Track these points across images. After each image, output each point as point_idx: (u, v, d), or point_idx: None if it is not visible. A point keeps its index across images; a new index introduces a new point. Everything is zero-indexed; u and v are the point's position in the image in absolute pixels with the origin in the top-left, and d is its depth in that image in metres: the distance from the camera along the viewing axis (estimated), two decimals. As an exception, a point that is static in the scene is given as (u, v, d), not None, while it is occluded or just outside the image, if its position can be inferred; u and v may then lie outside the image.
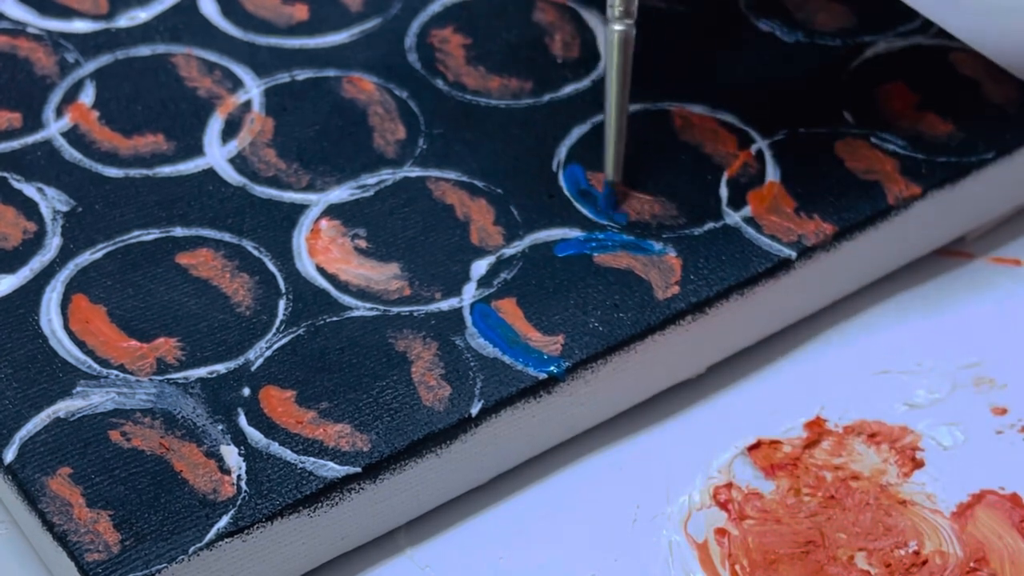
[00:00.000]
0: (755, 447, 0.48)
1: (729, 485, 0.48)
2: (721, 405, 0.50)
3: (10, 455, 0.45)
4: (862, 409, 0.49)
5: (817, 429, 0.49)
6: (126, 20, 0.56)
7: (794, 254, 0.49)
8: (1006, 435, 0.49)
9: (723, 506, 0.47)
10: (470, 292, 0.49)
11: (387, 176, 0.52)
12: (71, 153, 0.52)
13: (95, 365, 0.47)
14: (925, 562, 0.46)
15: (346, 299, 0.48)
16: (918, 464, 0.48)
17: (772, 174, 0.52)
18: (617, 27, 0.50)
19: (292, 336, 0.47)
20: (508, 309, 0.48)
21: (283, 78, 0.54)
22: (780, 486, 0.47)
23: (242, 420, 0.46)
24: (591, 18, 0.56)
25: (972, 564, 0.46)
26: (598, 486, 0.48)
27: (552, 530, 0.47)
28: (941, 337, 0.51)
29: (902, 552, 0.46)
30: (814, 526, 0.46)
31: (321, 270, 0.49)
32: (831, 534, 0.46)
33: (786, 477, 0.48)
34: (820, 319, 0.52)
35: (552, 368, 0.47)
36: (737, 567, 0.46)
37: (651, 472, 0.48)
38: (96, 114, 0.53)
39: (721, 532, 0.47)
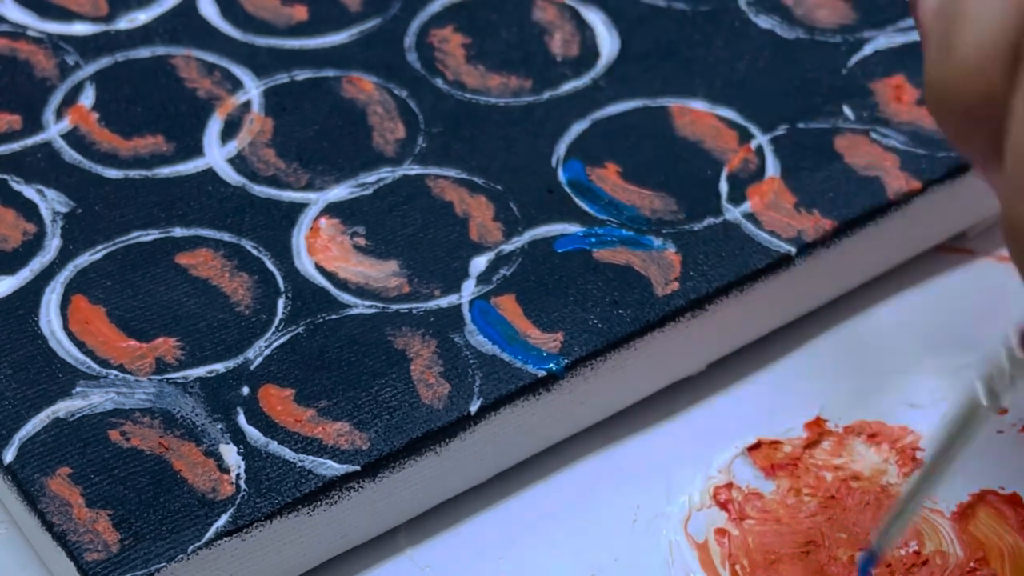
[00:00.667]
0: (755, 447, 0.48)
1: (729, 485, 0.47)
2: (721, 405, 0.50)
3: (10, 455, 0.45)
4: (862, 409, 0.49)
5: (817, 429, 0.49)
6: (126, 22, 0.56)
7: (794, 250, 0.49)
8: (1007, 434, 0.49)
9: (723, 506, 0.47)
10: (469, 289, 0.49)
11: (386, 174, 0.52)
12: (71, 155, 0.52)
13: (94, 365, 0.47)
14: (926, 562, 0.46)
15: (345, 297, 0.48)
16: (918, 464, 0.48)
17: (772, 169, 0.52)
18: (985, 402, 0.39)
19: (291, 335, 0.47)
20: (507, 306, 0.48)
21: (282, 78, 0.54)
22: (780, 486, 0.47)
23: (241, 419, 0.46)
24: (590, 16, 0.56)
25: (972, 564, 0.46)
26: (598, 486, 0.48)
27: (552, 530, 0.47)
28: (942, 336, 0.51)
29: (902, 552, 0.46)
30: (814, 526, 0.46)
31: (320, 268, 0.49)
32: (831, 534, 0.46)
33: (786, 477, 0.48)
34: (820, 319, 0.52)
35: (551, 365, 0.47)
36: (737, 567, 0.46)
37: (651, 472, 0.48)
38: (96, 116, 0.53)
39: (721, 532, 0.46)
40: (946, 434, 0.40)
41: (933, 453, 0.40)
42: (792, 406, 0.49)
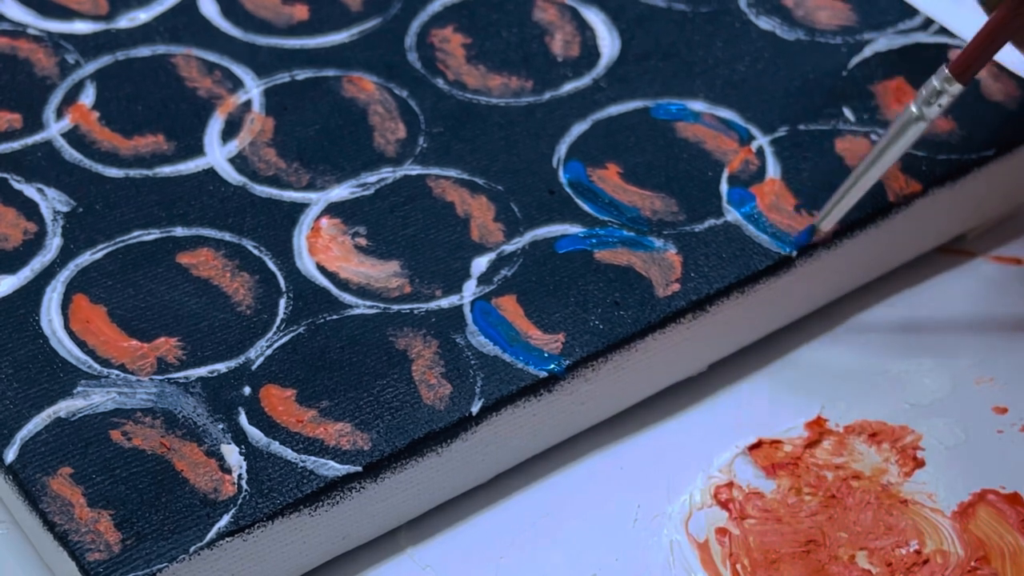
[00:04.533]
0: (756, 446, 0.48)
1: (730, 484, 0.48)
2: (722, 404, 0.50)
3: (11, 455, 0.45)
4: (863, 408, 0.49)
5: (818, 429, 0.49)
6: (126, 21, 0.56)
7: (795, 251, 0.49)
8: (1007, 434, 0.49)
9: (724, 505, 0.47)
10: (470, 289, 0.49)
11: (387, 174, 0.52)
12: (71, 154, 0.52)
13: (96, 365, 0.47)
14: (926, 561, 0.46)
15: (346, 297, 0.48)
16: (919, 463, 0.48)
17: (773, 171, 0.52)
18: (914, 111, 0.48)
19: (292, 335, 0.47)
20: (508, 307, 0.48)
21: (283, 78, 0.54)
22: (781, 485, 0.47)
23: (243, 419, 0.46)
24: (591, 16, 0.56)
25: (973, 563, 0.46)
26: (598, 486, 0.48)
27: (552, 530, 0.47)
28: (942, 336, 0.51)
29: (903, 551, 0.46)
30: (815, 525, 0.46)
31: (321, 268, 0.49)
32: (832, 533, 0.46)
33: (787, 476, 0.48)
34: (820, 318, 0.52)
35: (552, 366, 0.47)
36: (738, 566, 0.46)
37: (652, 471, 0.48)
38: (96, 115, 0.53)
39: (722, 531, 0.47)
40: (887, 137, 0.49)
41: (876, 150, 0.49)
42: (792, 406, 0.49)
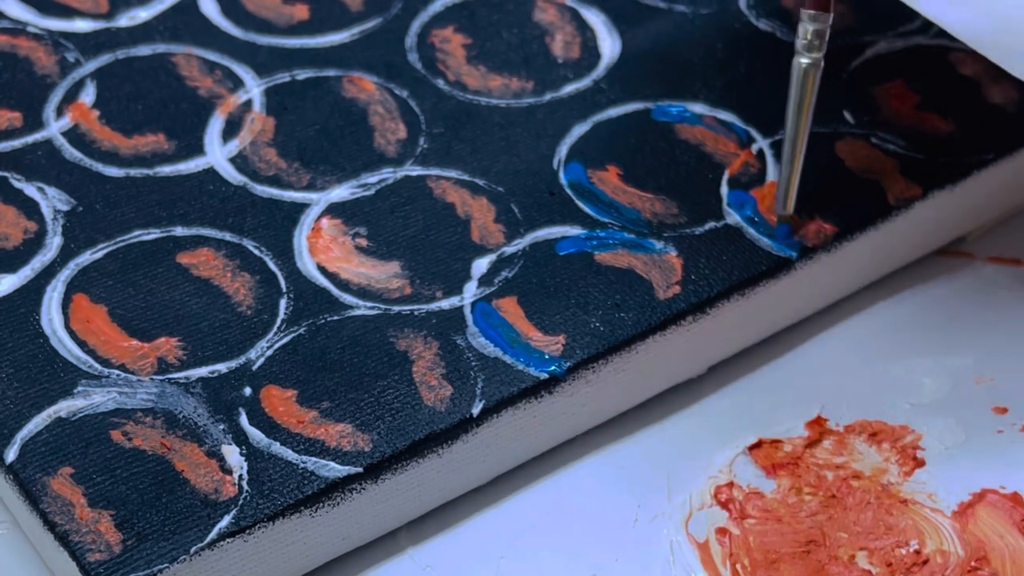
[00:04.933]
0: (756, 446, 0.48)
1: (730, 484, 0.48)
2: (722, 404, 0.50)
3: (11, 455, 0.45)
4: (863, 408, 0.49)
5: (818, 428, 0.49)
6: (126, 20, 0.56)
7: (795, 254, 0.50)
8: (1007, 434, 0.49)
9: (724, 505, 0.47)
10: (471, 291, 0.49)
11: (388, 175, 0.52)
12: (72, 153, 0.52)
13: (96, 365, 0.47)
14: (926, 561, 0.46)
15: (347, 298, 0.48)
16: (919, 463, 0.48)
17: (773, 173, 0.52)
18: (804, 60, 0.49)
19: (293, 335, 0.48)
20: (509, 308, 0.48)
21: (283, 78, 0.54)
22: (781, 485, 0.48)
23: (243, 420, 0.46)
24: (591, 17, 0.56)
25: (973, 563, 0.46)
26: (598, 486, 0.48)
27: (552, 530, 0.47)
28: (942, 336, 0.51)
29: (903, 551, 0.46)
30: (815, 525, 0.47)
31: (322, 269, 0.49)
32: (832, 533, 0.46)
33: (787, 476, 0.48)
34: (820, 318, 0.52)
35: (553, 368, 0.47)
36: (738, 566, 0.46)
37: (652, 472, 0.48)
38: (96, 113, 0.53)
39: (722, 531, 0.47)
40: (793, 98, 0.49)
41: (792, 116, 0.49)
42: (793, 405, 0.49)
